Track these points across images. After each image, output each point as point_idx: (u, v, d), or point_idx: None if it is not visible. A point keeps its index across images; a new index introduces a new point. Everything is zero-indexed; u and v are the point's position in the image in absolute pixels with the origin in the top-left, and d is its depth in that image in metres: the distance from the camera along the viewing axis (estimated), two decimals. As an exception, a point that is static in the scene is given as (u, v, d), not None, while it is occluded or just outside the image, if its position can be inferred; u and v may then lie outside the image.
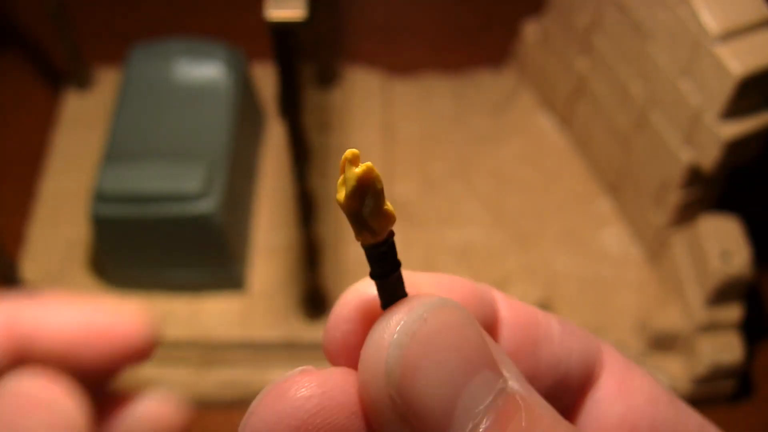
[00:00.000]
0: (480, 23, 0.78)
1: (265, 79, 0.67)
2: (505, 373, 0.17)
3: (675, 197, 0.55)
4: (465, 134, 0.68)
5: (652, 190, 0.57)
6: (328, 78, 0.68)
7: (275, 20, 0.36)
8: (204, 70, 0.59)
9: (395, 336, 0.16)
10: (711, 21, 0.46)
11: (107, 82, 0.69)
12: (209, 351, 0.57)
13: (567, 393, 0.21)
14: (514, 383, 0.17)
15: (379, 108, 0.68)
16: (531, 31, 0.68)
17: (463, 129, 0.68)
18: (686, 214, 0.56)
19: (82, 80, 0.68)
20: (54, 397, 0.25)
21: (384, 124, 0.67)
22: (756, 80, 0.46)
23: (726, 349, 0.55)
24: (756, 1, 0.47)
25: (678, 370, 0.57)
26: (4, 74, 0.74)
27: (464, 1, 0.80)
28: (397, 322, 0.17)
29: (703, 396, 0.57)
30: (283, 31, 0.37)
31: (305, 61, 0.67)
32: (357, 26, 0.77)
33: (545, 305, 0.57)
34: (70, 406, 0.25)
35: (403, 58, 0.75)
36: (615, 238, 0.62)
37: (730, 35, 0.46)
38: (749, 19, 0.46)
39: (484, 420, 0.16)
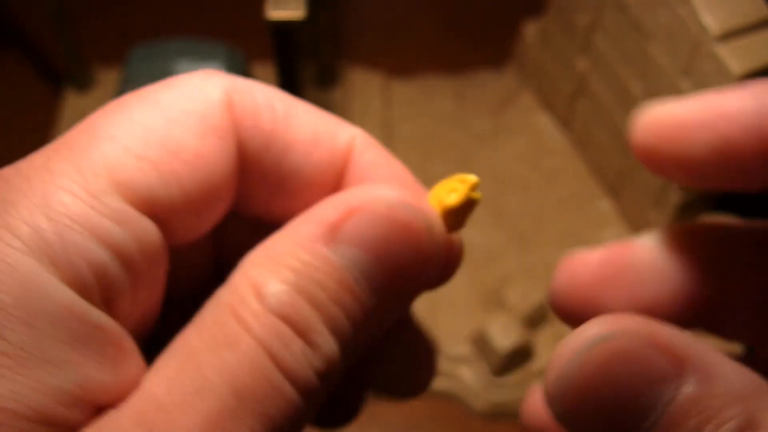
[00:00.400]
0: (480, 23, 0.78)
1: (265, 79, 0.67)
2: (689, 374, 0.17)
3: (675, 197, 0.55)
4: (465, 134, 0.68)
5: (652, 191, 0.57)
6: (328, 78, 0.68)
7: (275, 20, 0.36)
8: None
9: (572, 362, 0.18)
10: (711, 21, 0.46)
11: (107, 82, 0.68)
12: (209, 351, 0.57)
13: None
14: (693, 384, 0.17)
15: (379, 108, 0.68)
16: (531, 31, 0.68)
17: (463, 129, 0.68)
18: (686, 214, 0.56)
19: (82, 80, 0.68)
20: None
21: (384, 124, 0.67)
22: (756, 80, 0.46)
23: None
24: (756, 1, 0.47)
25: (678, 370, 0.57)
26: (4, 74, 0.74)
27: (464, 1, 0.80)
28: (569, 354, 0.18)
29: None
30: (283, 31, 0.37)
31: (305, 61, 0.67)
32: (357, 26, 0.77)
33: (545, 305, 0.57)
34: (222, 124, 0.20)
35: (403, 58, 0.75)
36: (615, 239, 0.62)
37: (730, 35, 0.46)
38: (749, 19, 0.46)
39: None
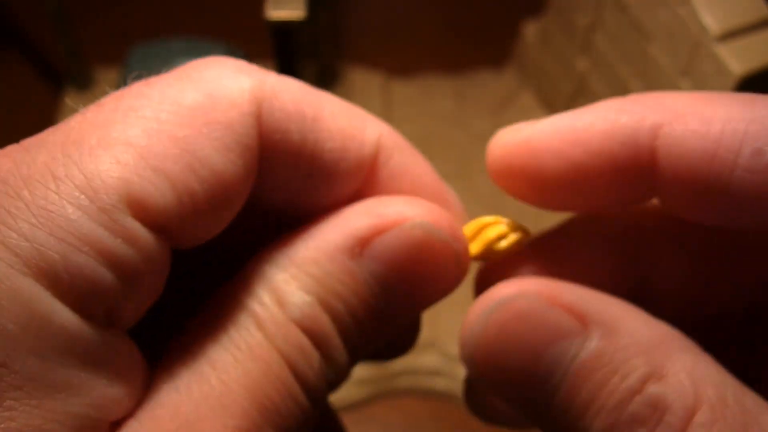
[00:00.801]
0: (480, 23, 0.78)
1: (265, 79, 0.67)
2: (592, 329, 0.17)
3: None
4: (465, 134, 0.68)
5: (652, 190, 0.57)
6: (328, 78, 0.68)
7: (275, 20, 0.36)
8: (204, 70, 0.59)
9: (476, 327, 0.18)
10: (711, 21, 0.46)
11: (107, 82, 0.68)
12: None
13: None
14: (596, 339, 0.17)
15: (379, 108, 0.68)
16: (531, 31, 0.68)
17: (463, 129, 0.68)
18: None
19: (82, 80, 0.68)
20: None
21: (384, 124, 0.67)
22: (756, 80, 0.46)
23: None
24: (756, 1, 0.47)
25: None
26: (4, 74, 0.74)
27: (464, 1, 0.80)
28: (477, 313, 0.19)
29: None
30: (283, 31, 0.37)
31: (305, 61, 0.67)
32: (357, 26, 0.77)
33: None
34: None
35: (403, 58, 0.75)
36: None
37: (730, 35, 0.46)
38: (749, 19, 0.46)
39: (557, 395, 0.17)
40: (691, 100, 0.19)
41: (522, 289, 0.19)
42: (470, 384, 0.23)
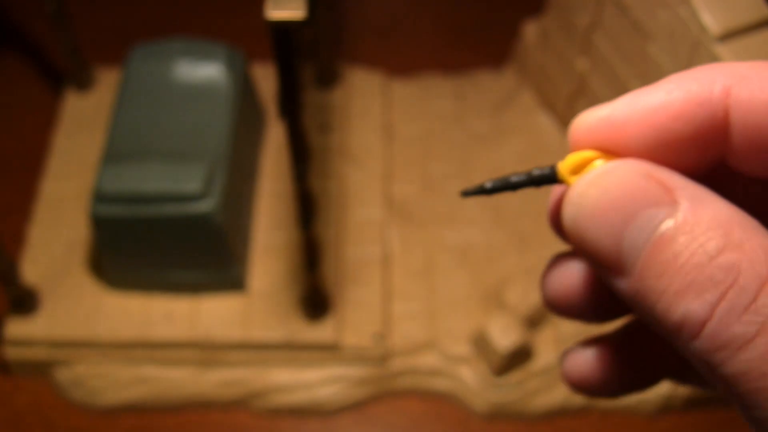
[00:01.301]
0: (480, 23, 0.78)
1: (265, 79, 0.67)
2: (680, 202, 0.20)
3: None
4: (465, 134, 0.68)
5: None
6: (328, 78, 0.68)
7: (275, 20, 0.36)
8: (204, 70, 0.59)
9: (580, 190, 0.21)
10: (711, 21, 0.46)
11: (107, 82, 0.69)
12: (209, 351, 0.57)
13: None
14: (682, 211, 0.19)
15: (379, 108, 0.68)
16: (531, 31, 0.68)
17: (463, 129, 0.68)
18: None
19: (82, 80, 0.68)
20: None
21: (384, 124, 0.67)
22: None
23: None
24: (756, 1, 0.47)
25: (678, 370, 0.57)
26: (4, 74, 0.74)
27: (464, 1, 0.80)
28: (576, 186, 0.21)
29: (704, 396, 0.57)
30: (283, 31, 0.37)
31: (305, 61, 0.67)
32: (357, 26, 0.77)
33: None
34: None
35: (403, 58, 0.75)
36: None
37: (730, 35, 0.46)
38: (749, 19, 0.46)
39: (641, 255, 0.19)
40: (754, 65, 0.21)
41: (623, 162, 0.21)
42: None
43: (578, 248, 0.21)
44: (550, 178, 0.23)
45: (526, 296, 0.57)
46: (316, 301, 0.56)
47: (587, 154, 0.22)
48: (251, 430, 0.57)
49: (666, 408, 0.58)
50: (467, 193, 0.23)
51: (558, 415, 0.58)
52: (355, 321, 0.58)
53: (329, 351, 0.57)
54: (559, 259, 0.25)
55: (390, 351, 0.58)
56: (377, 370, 0.58)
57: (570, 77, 0.63)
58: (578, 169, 0.22)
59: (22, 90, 0.73)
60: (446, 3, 0.80)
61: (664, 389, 0.57)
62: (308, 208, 0.49)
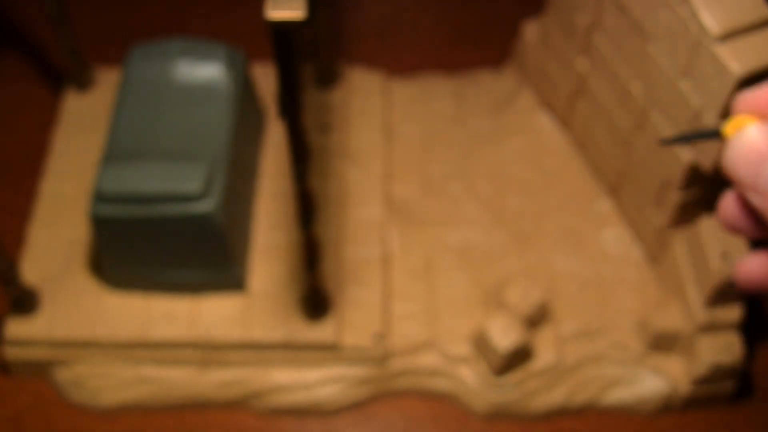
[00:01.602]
0: (480, 23, 0.78)
1: (265, 79, 0.67)
2: None
3: (675, 197, 0.55)
4: (465, 134, 0.68)
5: (653, 191, 0.57)
6: (328, 78, 0.68)
7: (275, 20, 0.36)
8: (204, 70, 0.59)
9: (732, 144, 0.31)
10: (711, 21, 0.46)
11: (107, 82, 0.69)
12: (209, 351, 0.57)
13: None
14: None
15: (379, 108, 0.68)
16: (531, 31, 0.68)
17: (463, 129, 0.68)
18: (686, 214, 0.56)
19: (82, 80, 0.68)
20: None
21: (384, 125, 0.67)
22: (756, 80, 0.46)
23: (726, 349, 0.55)
24: (756, 1, 0.47)
25: (678, 370, 0.57)
26: (4, 74, 0.74)
27: (464, 1, 0.80)
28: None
29: (704, 396, 0.57)
30: (283, 31, 0.37)
31: (305, 61, 0.67)
32: (357, 26, 0.77)
33: (545, 305, 0.57)
34: None
35: (403, 58, 0.75)
36: (615, 239, 0.62)
37: (730, 35, 0.46)
38: (749, 19, 0.46)
39: None
40: None
41: (764, 123, 0.30)
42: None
43: (732, 177, 0.30)
44: (717, 133, 0.32)
45: (526, 296, 0.57)
46: (316, 301, 0.56)
47: (744, 117, 0.30)
48: (251, 430, 0.57)
49: (666, 408, 0.58)
50: (667, 142, 0.35)
51: (558, 415, 0.58)
52: (355, 321, 0.58)
53: (329, 351, 0.57)
54: (726, 193, 0.33)
55: (390, 351, 0.58)
56: (377, 370, 0.58)
57: (570, 77, 0.63)
58: (736, 128, 0.30)
59: (22, 90, 0.73)
60: (446, 3, 0.80)
61: (664, 389, 0.57)
62: (308, 208, 0.49)
